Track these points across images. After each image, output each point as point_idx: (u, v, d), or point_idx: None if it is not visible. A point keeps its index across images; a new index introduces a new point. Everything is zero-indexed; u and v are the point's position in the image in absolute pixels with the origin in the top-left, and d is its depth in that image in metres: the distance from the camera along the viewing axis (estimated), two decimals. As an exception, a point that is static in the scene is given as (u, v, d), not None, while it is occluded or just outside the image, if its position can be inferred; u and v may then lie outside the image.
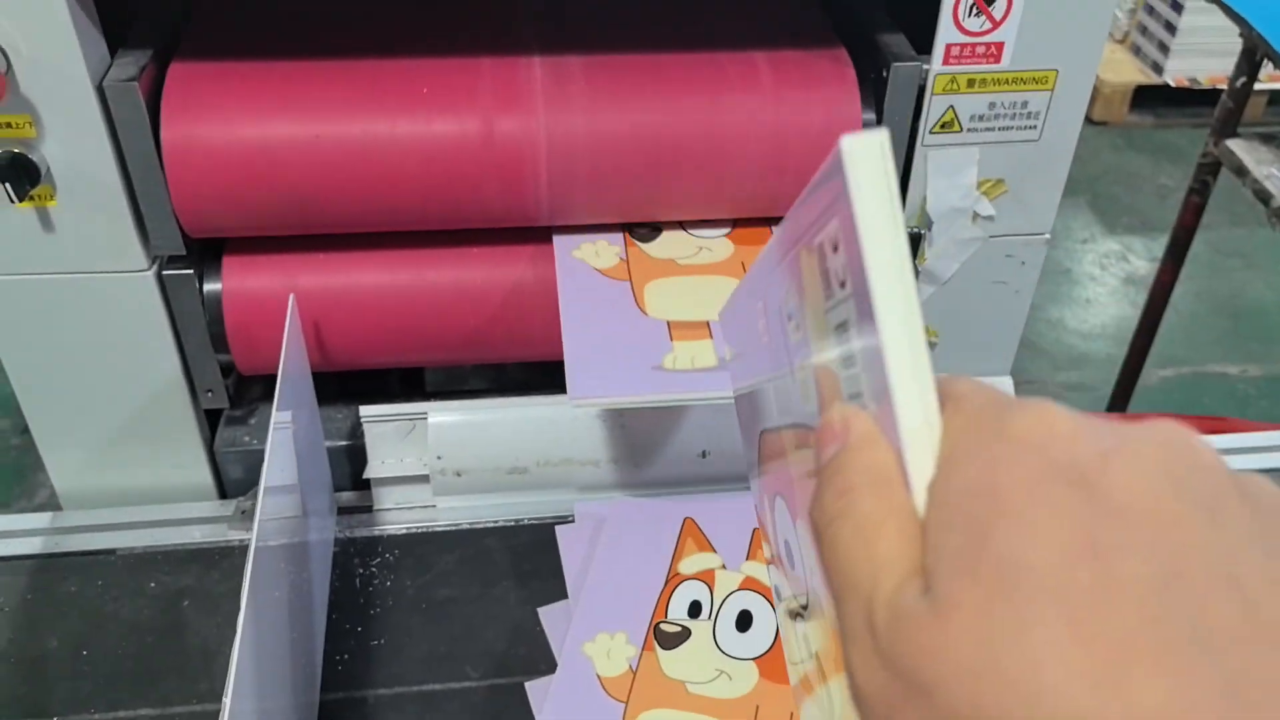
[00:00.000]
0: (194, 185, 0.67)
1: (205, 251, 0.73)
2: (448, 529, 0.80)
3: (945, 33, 0.67)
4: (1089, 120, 2.98)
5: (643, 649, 0.67)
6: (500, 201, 0.70)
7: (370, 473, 0.79)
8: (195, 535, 0.78)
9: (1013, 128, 0.71)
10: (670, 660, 0.67)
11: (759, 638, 0.70)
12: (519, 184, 0.69)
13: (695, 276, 0.71)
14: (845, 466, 0.29)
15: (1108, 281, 2.45)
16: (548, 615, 0.73)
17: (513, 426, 0.79)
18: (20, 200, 0.64)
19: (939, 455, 0.27)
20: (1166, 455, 0.25)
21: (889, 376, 0.28)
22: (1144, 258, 2.49)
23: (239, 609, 0.72)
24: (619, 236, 0.72)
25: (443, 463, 0.78)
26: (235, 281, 0.73)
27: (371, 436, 0.79)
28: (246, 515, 0.79)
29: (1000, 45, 0.67)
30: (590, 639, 0.67)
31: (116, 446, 0.78)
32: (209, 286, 0.72)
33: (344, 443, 0.81)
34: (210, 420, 0.80)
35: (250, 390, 0.83)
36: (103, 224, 0.67)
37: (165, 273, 0.70)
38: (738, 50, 0.72)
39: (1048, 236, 0.77)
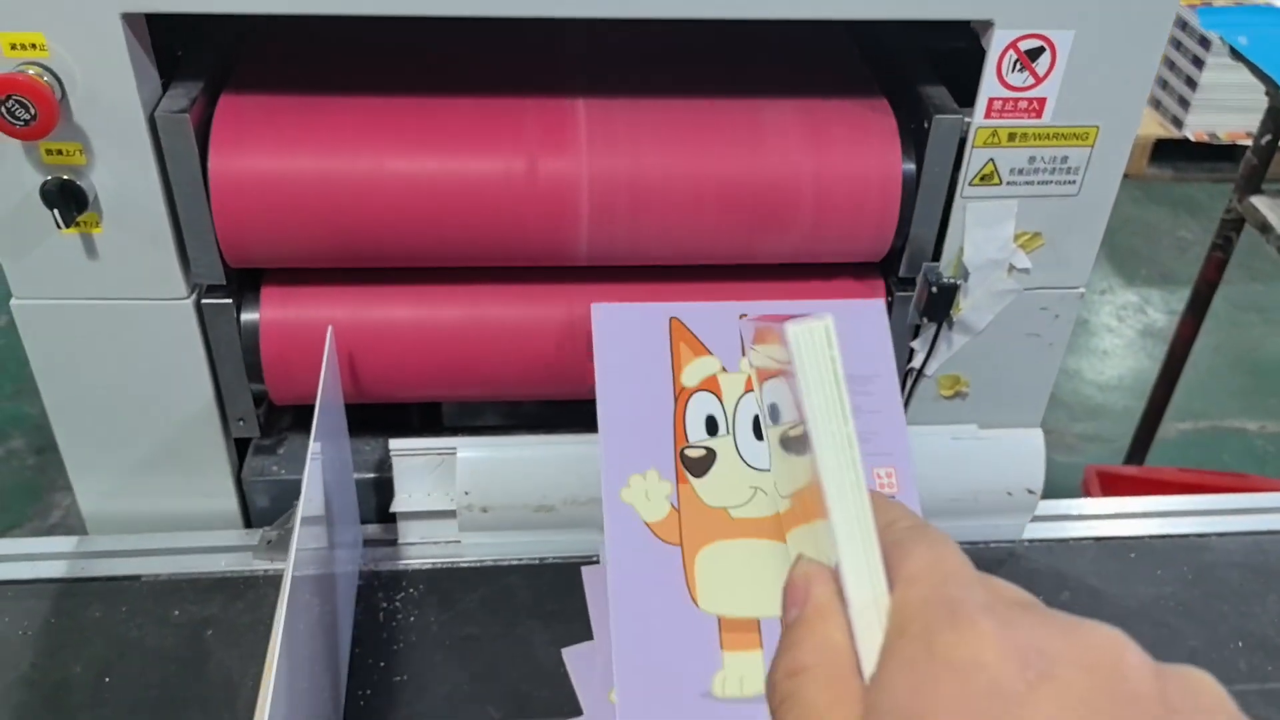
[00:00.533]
0: (238, 217, 0.67)
1: (244, 281, 0.73)
2: (472, 565, 0.79)
3: (988, 86, 0.67)
4: (1108, 172, 2.99)
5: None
6: (541, 239, 0.70)
7: (397, 506, 0.79)
8: (220, 564, 0.78)
9: (1052, 182, 0.71)
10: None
11: None
12: (561, 222, 0.69)
13: (748, 541, 0.67)
14: (799, 642, 0.31)
15: (1125, 333, 2.44)
16: (572, 657, 0.73)
17: (541, 464, 0.79)
18: (67, 226, 0.64)
19: (882, 643, 0.29)
20: (1093, 686, 0.26)
21: (839, 555, 0.31)
22: (1162, 310, 2.49)
23: (266, 640, 0.72)
24: (670, 463, 0.67)
25: (470, 498, 0.78)
26: (273, 312, 0.73)
27: (400, 470, 0.79)
28: (272, 545, 0.79)
29: (1043, 101, 0.68)
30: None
31: (145, 472, 0.78)
32: (246, 316, 0.73)
33: (371, 475, 0.81)
34: (239, 449, 0.80)
35: (279, 419, 0.84)
36: (146, 252, 0.68)
37: (204, 301, 0.71)
38: (780, 97, 0.73)
39: (1082, 291, 0.77)
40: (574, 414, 0.87)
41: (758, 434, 0.69)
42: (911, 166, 0.71)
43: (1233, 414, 2.22)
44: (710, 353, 0.71)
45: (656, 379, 0.70)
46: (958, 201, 0.71)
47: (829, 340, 0.32)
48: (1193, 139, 2.89)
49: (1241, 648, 0.76)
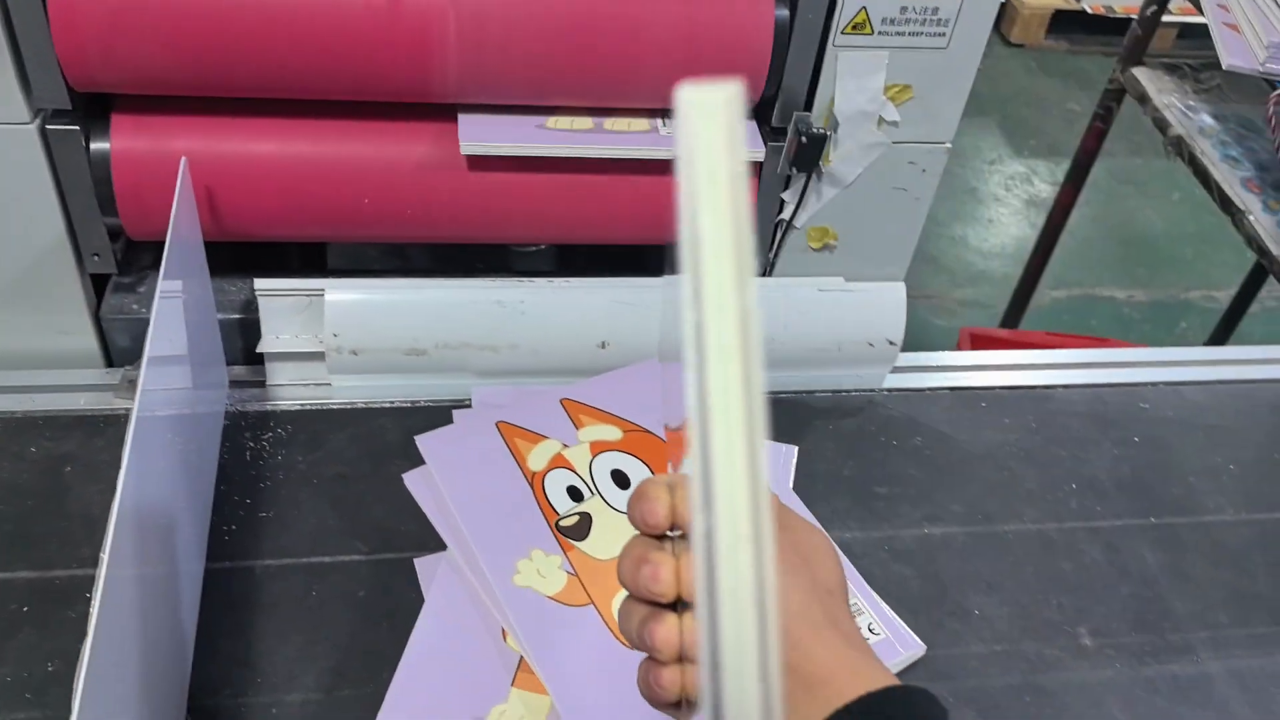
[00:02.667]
0: (79, 32, 0.64)
1: (94, 108, 0.70)
2: (342, 407, 0.80)
3: (863, -69, 0.66)
4: (1005, 41, 3.01)
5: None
6: (406, 73, 0.68)
7: (264, 347, 0.78)
8: (80, 402, 0.76)
9: (922, 34, 0.71)
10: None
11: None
12: (425, 55, 0.67)
13: None
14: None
15: (1011, 203, 2.50)
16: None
17: (412, 307, 0.79)
18: (-112, 38, 0.60)
19: None
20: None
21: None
22: (1048, 181, 2.55)
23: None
24: (551, 539, 0.68)
25: (339, 341, 0.78)
26: (125, 141, 0.70)
27: (266, 311, 0.78)
28: (133, 384, 0.77)
29: (916, -51, 0.67)
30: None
31: (-3, 309, 0.75)
32: (96, 145, 0.70)
33: (238, 316, 0.80)
34: (97, 286, 0.78)
35: (141, 257, 0.81)
36: (-21, 70, 0.64)
37: (49, 127, 0.67)
38: (655, -65, 0.71)
39: (949, 145, 0.78)
40: (463, 261, 0.86)
41: (620, 484, 0.71)
42: (785, 13, 0.71)
43: (1104, 282, 2.31)
44: (547, 438, 0.73)
45: (506, 475, 0.71)
46: (829, 51, 0.71)
47: (731, 121, 0.25)
48: (1090, 10, 2.91)
49: (1074, 489, 0.81)
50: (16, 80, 0.65)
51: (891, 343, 0.85)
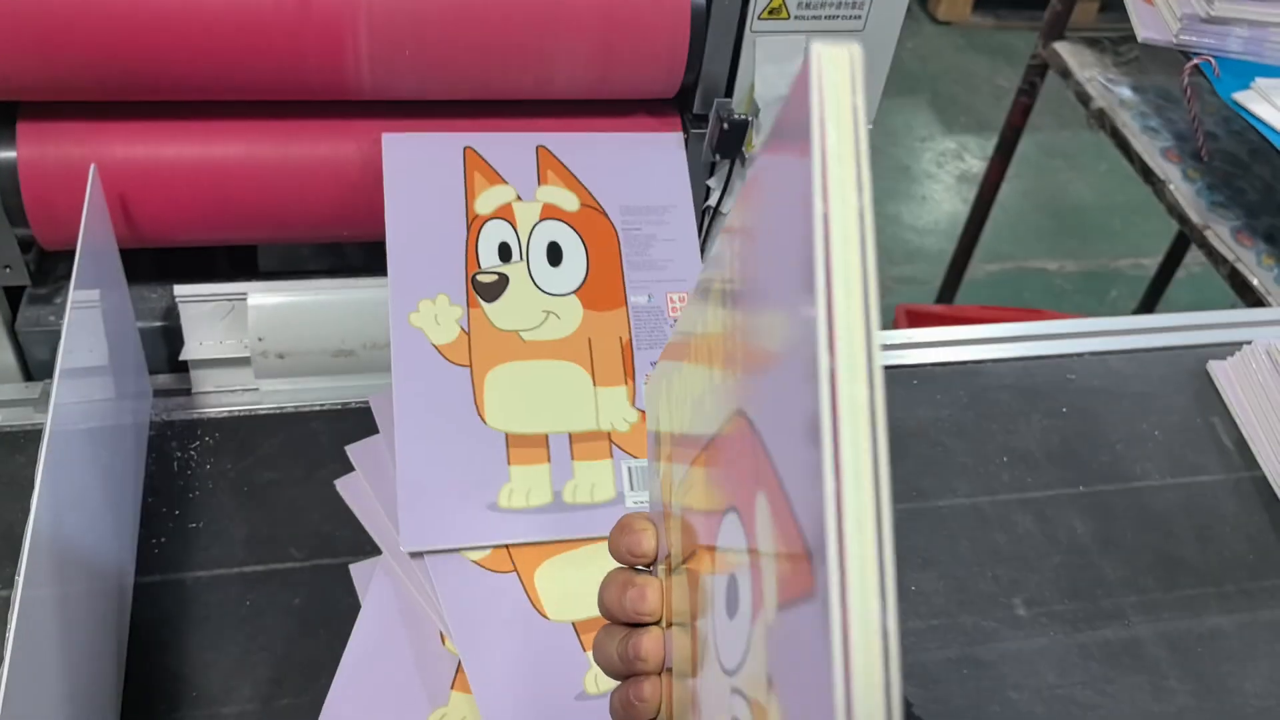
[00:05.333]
0: (-23, 42, 0.62)
1: (-3, 116, 0.68)
2: (271, 411, 0.78)
3: (775, -84, 0.66)
4: (933, 20, 3.04)
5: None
6: (318, 71, 0.67)
7: (187, 354, 0.77)
8: (-2, 418, 0.75)
9: (839, 16, 0.72)
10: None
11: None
12: (338, 53, 0.66)
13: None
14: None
15: (943, 179, 2.53)
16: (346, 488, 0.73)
17: (338, 308, 0.77)
18: None
19: None
20: None
21: None
22: (978, 156, 2.59)
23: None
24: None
25: (264, 344, 0.76)
26: (31, 149, 0.68)
27: (187, 317, 0.76)
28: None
29: (828, -68, 0.68)
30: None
31: (-96, 325, 0.73)
32: (2, 154, 0.68)
33: (159, 324, 0.78)
34: (12, 299, 0.76)
35: (56, 267, 0.79)
36: (-128, 81, 0.62)
37: (-52, 137, 0.65)
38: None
39: (870, 126, 0.79)
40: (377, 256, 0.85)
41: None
42: (702, -1, 0.70)
43: (1036, 255, 2.35)
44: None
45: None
46: (748, 36, 0.71)
47: (854, 78, 0.23)
48: (1014, -13, 2.95)
49: (1005, 462, 0.83)
50: (-89, 90, 0.63)
51: (823, 325, 0.86)
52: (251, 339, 0.76)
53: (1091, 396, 0.89)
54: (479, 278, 0.67)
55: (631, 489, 0.68)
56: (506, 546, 0.66)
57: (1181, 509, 0.81)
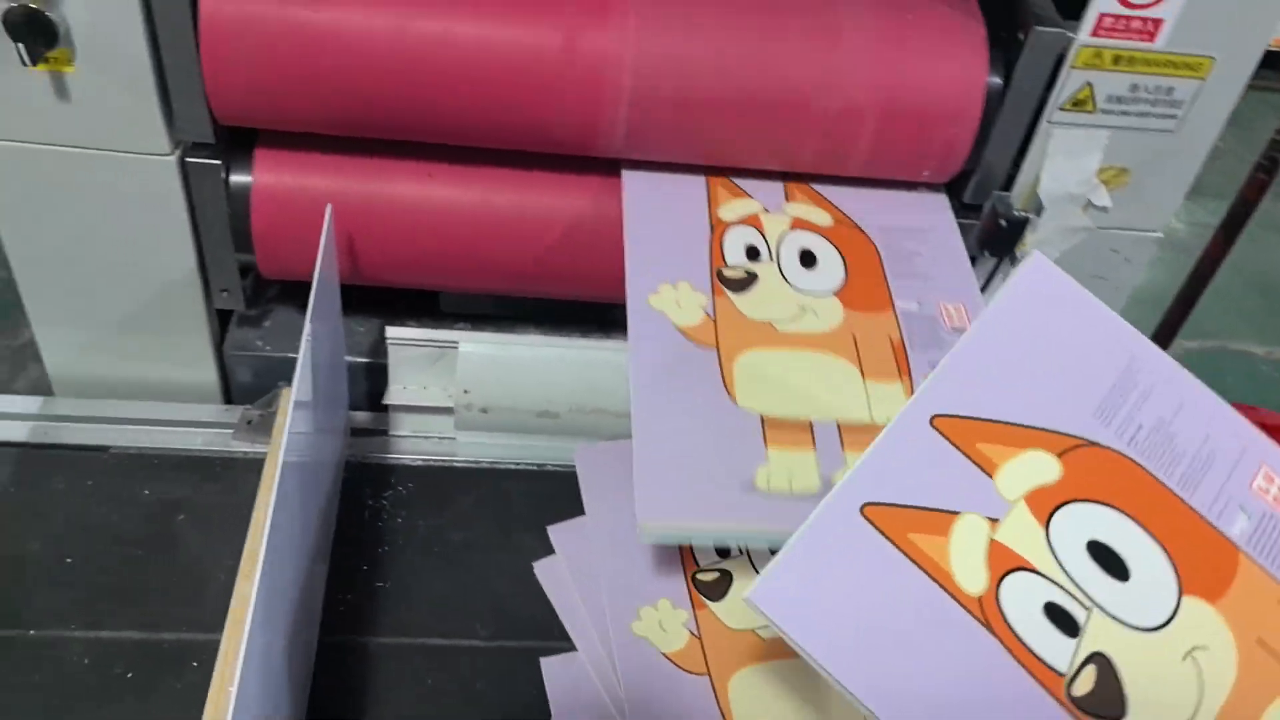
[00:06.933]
0: (230, 65, 0.59)
1: (235, 142, 0.65)
2: (467, 465, 0.74)
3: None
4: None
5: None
6: (574, 125, 0.62)
7: (390, 399, 0.73)
8: (197, 441, 0.72)
9: (1151, 115, 0.63)
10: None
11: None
12: (596, 108, 0.61)
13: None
14: None
15: (1143, 241, 2.37)
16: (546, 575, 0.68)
17: (548, 367, 0.73)
18: (34, 64, 0.56)
19: None
20: None
21: None
22: (1184, 219, 2.41)
23: (240, 528, 0.67)
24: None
25: (470, 397, 0.72)
26: (267, 178, 0.65)
27: (395, 360, 0.73)
28: (253, 426, 0.73)
29: (1159, 22, 0.59)
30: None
31: (118, 335, 0.72)
32: (236, 179, 0.65)
33: (364, 359, 0.75)
34: (221, 319, 0.74)
35: (266, 289, 0.77)
36: (124, 99, 0.59)
37: (189, 160, 0.63)
38: (857, -13, 0.64)
39: (1160, 235, 0.70)
40: (584, 309, 0.80)
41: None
42: (998, 81, 0.63)
43: (1242, 335, 2.17)
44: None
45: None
46: (1043, 126, 0.64)
47: None
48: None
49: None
50: (160, 111, 0.60)
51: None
52: (457, 391, 0.72)
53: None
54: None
55: None
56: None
57: None
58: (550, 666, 0.63)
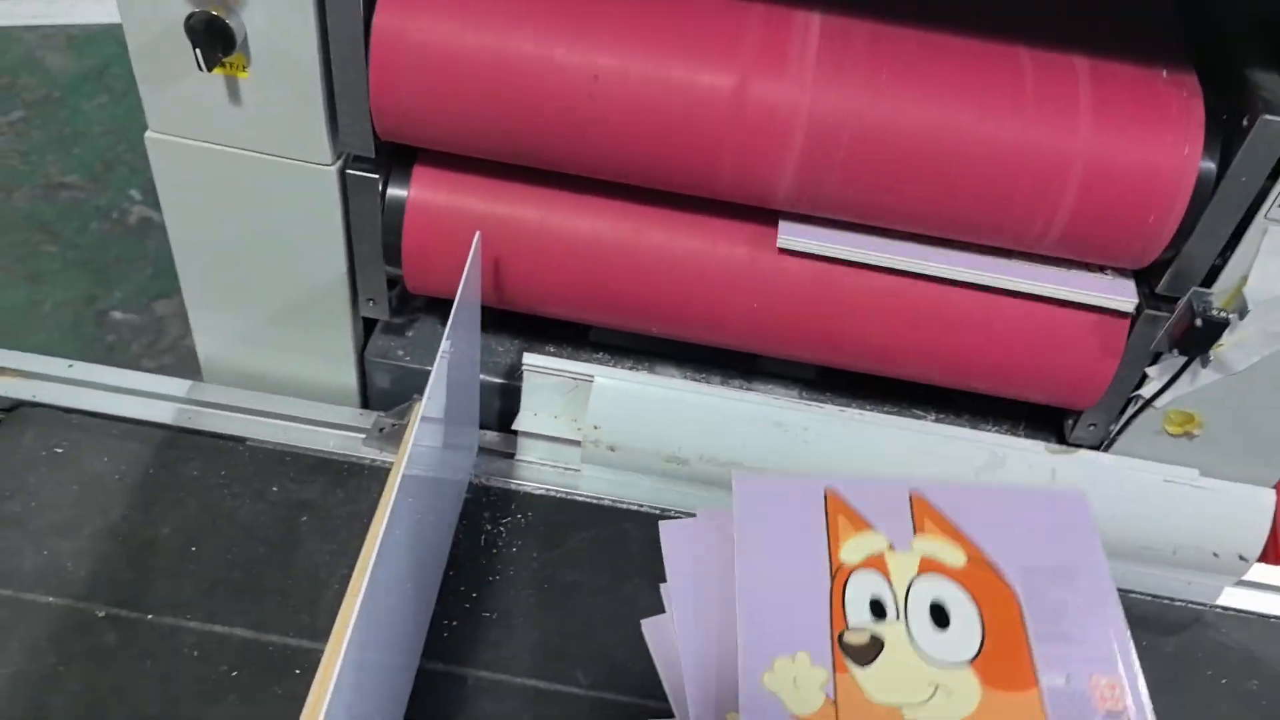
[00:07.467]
0: (398, 82, 0.58)
1: (395, 158, 0.65)
2: (588, 500, 0.72)
3: (1347, 91, 0.52)
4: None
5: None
6: (739, 174, 0.59)
7: (520, 425, 0.72)
8: (329, 443, 0.73)
9: (1388, 224, 0.56)
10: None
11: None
12: (765, 159, 0.58)
13: None
14: None
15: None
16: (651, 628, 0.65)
17: (683, 409, 0.70)
18: (210, 68, 0.56)
19: None
20: None
21: None
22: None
23: (361, 537, 0.67)
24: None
25: (599, 433, 0.70)
26: (423, 196, 0.65)
27: (529, 386, 0.71)
28: (385, 435, 0.73)
29: None
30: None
31: (267, 330, 0.73)
32: (392, 193, 0.65)
33: (499, 380, 0.74)
34: (365, 324, 0.74)
35: (413, 299, 0.77)
36: (293, 108, 0.60)
37: (349, 171, 0.63)
38: (1062, 50, 0.58)
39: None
40: (728, 351, 0.77)
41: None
42: (1211, 166, 0.57)
43: None
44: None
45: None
46: (1258, 221, 0.57)
47: None
48: None
49: None
50: (325, 122, 0.60)
51: (1243, 558, 0.70)
52: (587, 426, 0.70)
53: None
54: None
55: None
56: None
57: None
58: (648, 732, 0.61)
